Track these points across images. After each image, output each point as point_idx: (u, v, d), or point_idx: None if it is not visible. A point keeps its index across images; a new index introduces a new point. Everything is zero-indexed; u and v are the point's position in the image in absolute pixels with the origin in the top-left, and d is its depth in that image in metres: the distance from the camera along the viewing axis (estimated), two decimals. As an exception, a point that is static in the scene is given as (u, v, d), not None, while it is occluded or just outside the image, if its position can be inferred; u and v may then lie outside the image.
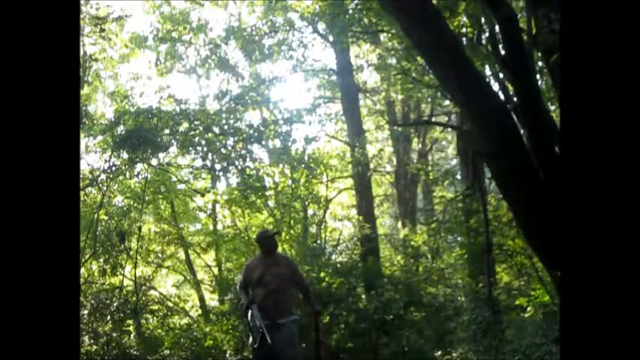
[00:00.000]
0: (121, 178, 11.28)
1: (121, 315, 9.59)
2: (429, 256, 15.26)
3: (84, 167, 10.87)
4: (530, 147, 5.93)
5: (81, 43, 11.07)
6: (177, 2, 15.69)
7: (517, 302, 9.04)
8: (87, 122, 10.55)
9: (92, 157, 11.37)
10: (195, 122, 11.14)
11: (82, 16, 10.75)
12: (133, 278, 10.78)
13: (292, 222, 12.31)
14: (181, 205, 14.54)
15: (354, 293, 10.59)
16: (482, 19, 8.86)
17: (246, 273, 6.24)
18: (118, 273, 10.82)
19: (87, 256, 10.21)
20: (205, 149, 11.59)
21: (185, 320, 12.31)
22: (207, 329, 10.67)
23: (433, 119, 16.71)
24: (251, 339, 5.97)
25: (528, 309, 8.49)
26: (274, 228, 11.68)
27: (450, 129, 15.78)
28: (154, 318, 10.58)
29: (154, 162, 11.33)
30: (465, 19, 9.68)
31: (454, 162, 19.72)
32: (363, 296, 10.92)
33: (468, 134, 10.31)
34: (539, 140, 5.92)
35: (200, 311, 14.31)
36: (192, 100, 12.26)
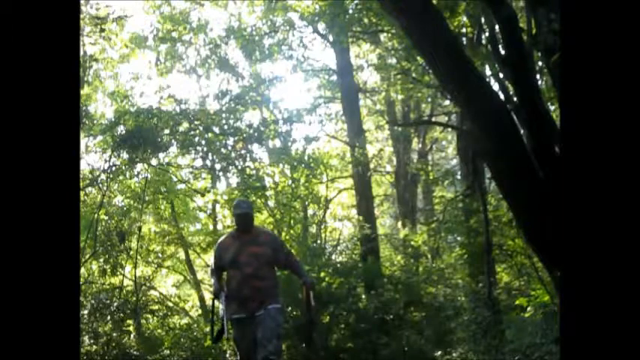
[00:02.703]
0: (121, 178, 11.28)
1: (121, 315, 9.58)
2: (429, 256, 15.26)
3: (84, 167, 10.88)
4: (530, 147, 5.93)
5: (81, 43, 11.07)
6: (177, 2, 15.70)
7: (517, 302, 9.04)
8: (87, 122, 10.55)
9: (92, 157, 11.39)
10: (195, 122, 11.14)
11: (82, 16, 10.74)
12: (133, 278, 10.78)
13: (292, 222, 12.31)
14: (181, 205, 14.55)
15: (354, 293, 10.57)
16: (483, 19, 8.86)
17: (218, 253, 5.21)
18: (118, 273, 10.82)
19: (87, 256, 10.21)
20: (205, 149, 11.58)
21: (185, 320, 12.31)
22: (207, 329, 10.66)
23: (433, 119, 16.70)
24: (211, 332, 5.16)
25: (528, 309, 8.49)
26: (274, 228, 11.66)
27: (450, 129, 15.78)
28: (154, 318, 10.58)
29: (153, 162, 11.33)
30: (465, 19, 9.68)
31: (454, 162, 19.72)
32: (363, 296, 10.91)
33: (468, 134, 10.31)
34: (539, 140, 5.93)
35: (200, 311, 14.32)
36: (192, 100, 12.29)
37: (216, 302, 5.19)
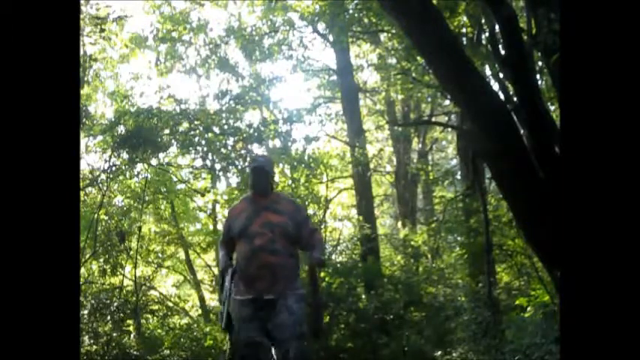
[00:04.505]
0: (121, 178, 11.28)
1: (121, 315, 9.59)
2: (429, 256, 15.26)
3: (84, 167, 10.87)
4: (530, 147, 5.94)
5: (81, 43, 11.06)
6: (177, 2, 15.71)
7: (517, 302, 9.04)
8: (87, 122, 10.55)
9: (92, 157, 11.39)
10: (195, 122, 11.14)
11: (82, 16, 10.73)
12: (133, 278, 10.78)
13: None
14: (181, 205, 14.55)
15: (354, 293, 10.58)
16: (483, 19, 8.87)
17: (228, 220, 4.29)
18: (118, 273, 10.83)
19: (87, 256, 10.21)
20: (205, 149, 11.58)
21: (185, 320, 12.32)
22: (207, 329, 10.67)
23: (433, 119, 16.70)
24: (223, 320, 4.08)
25: (528, 309, 8.49)
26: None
27: (450, 129, 15.78)
28: (154, 318, 10.60)
29: (153, 162, 11.33)
30: (465, 19, 9.69)
31: (454, 162, 19.72)
32: (363, 296, 10.92)
33: (468, 134, 10.32)
34: (539, 140, 5.93)
35: (200, 311, 14.34)
36: (192, 100, 12.27)
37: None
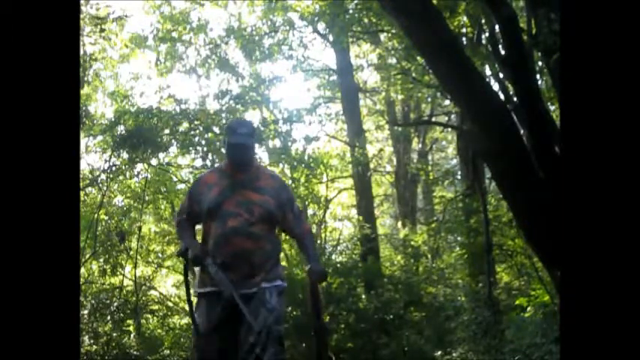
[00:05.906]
0: (121, 178, 11.28)
1: (121, 315, 9.60)
2: (429, 256, 15.26)
3: (84, 167, 10.88)
4: (530, 147, 5.94)
5: (81, 43, 11.06)
6: (177, 2, 15.71)
7: (517, 302, 9.04)
8: (87, 122, 10.55)
9: (92, 157, 11.39)
10: (195, 122, 11.14)
11: (82, 16, 10.73)
12: (133, 278, 10.78)
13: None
14: (181, 205, 14.55)
15: (354, 293, 10.58)
16: (483, 19, 8.87)
17: (194, 192, 3.47)
18: (118, 273, 10.83)
19: (87, 256, 10.21)
20: (205, 149, 11.58)
21: (185, 320, 12.31)
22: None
23: (433, 119, 16.70)
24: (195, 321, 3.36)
25: (528, 309, 8.49)
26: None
27: (450, 129, 15.78)
28: (154, 318, 10.60)
29: (153, 162, 11.33)
30: (465, 19, 9.69)
31: (454, 162, 19.72)
32: (363, 296, 10.92)
33: (468, 134, 10.32)
34: (539, 140, 5.94)
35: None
36: (192, 100, 12.27)
37: (192, 275, 3.56)
